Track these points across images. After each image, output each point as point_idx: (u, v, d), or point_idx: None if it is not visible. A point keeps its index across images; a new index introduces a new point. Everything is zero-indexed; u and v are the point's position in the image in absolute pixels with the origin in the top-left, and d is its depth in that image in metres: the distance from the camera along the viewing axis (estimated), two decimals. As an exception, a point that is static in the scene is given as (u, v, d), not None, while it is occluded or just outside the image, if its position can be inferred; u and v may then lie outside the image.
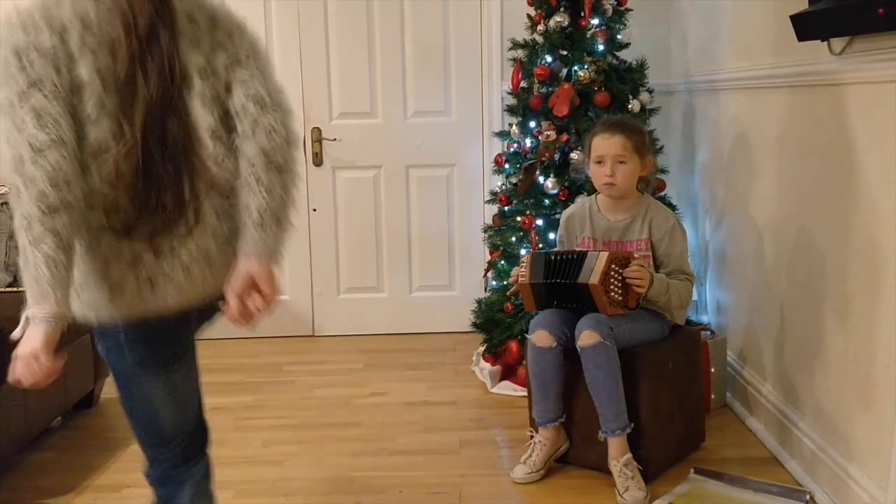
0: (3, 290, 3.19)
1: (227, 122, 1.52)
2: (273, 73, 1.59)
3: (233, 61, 1.53)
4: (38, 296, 1.41)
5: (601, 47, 3.48)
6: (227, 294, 1.55)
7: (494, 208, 3.82)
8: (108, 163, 1.44)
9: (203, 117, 1.50)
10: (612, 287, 2.61)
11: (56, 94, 1.40)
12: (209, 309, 1.60)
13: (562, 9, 3.50)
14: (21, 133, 1.39)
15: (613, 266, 2.61)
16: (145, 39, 1.43)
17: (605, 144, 2.76)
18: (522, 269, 2.76)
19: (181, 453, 1.71)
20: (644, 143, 2.80)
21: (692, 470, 2.74)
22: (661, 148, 3.69)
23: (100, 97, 1.43)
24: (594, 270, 2.60)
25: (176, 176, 1.47)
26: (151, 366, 1.60)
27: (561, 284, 2.69)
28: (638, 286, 2.61)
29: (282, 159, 1.51)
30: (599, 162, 2.77)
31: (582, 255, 2.67)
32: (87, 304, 1.52)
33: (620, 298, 2.63)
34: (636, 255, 2.69)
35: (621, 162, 2.74)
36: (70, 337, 1.51)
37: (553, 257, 2.73)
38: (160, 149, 1.44)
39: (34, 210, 1.37)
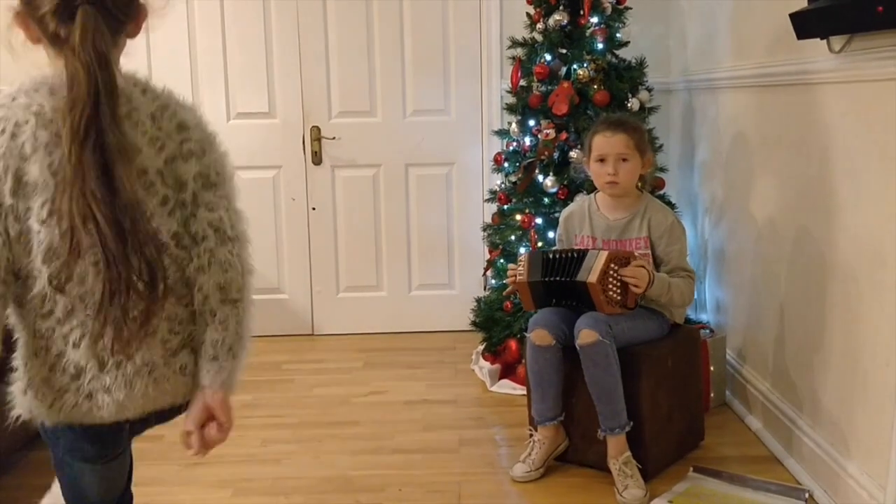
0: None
1: (189, 230, 1.48)
2: (235, 197, 1.56)
3: (203, 177, 1.49)
4: None
5: (600, 46, 3.48)
6: (186, 424, 1.54)
7: (494, 207, 3.82)
8: (62, 266, 1.37)
9: (164, 221, 1.44)
10: (610, 286, 2.61)
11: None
12: (148, 419, 1.55)
13: (561, 7, 3.50)
14: None
15: (612, 265, 2.61)
16: (83, 134, 1.33)
17: (607, 143, 2.75)
18: (520, 269, 2.76)
19: None
20: (644, 141, 2.80)
21: (691, 468, 2.74)
22: (661, 146, 3.69)
23: (51, 196, 1.35)
24: (593, 269, 2.60)
25: (144, 279, 1.38)
26: (81, 458, 1.59)
27: (559, 282, 2.69)
28: (635, 286, 2.61)
29: (237, 293, 1.48)
30: (601, 160, 2.77)
31: (582, 254, 2.67)
32: (29, 404, 1.49)
33: (619, 298, 2.63)
34: (637, 255, 2.68)
35: (624, 160, 2.74)
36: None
37: (551, 255, 2.73)
38: (120, 250, 1.35)
39: None
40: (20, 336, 1.46)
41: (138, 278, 1.37)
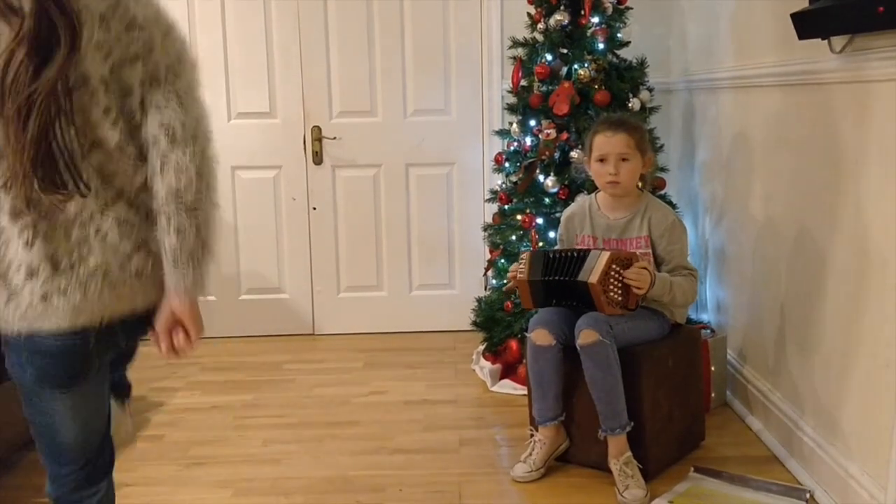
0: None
1: (137, 137, 1.43)
2: (194, 92, 1.47)
3: (151, 78, 1.42)
4: None
5: (601, 46, 3.47)
6: (155, 326, 1.52)
7: (494, 207, 3.82)
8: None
9: (108, 132, 1.40)
10: (611, 287, 2.61)
11: None
12: (112, 332, 1.50)
13: (562, 7, 3.50)
14: None
15: (614, 266, 2.60)
16: (32, 40, 1.29)
17: (608, 143, 2.75)
18: (521, 267, 2.76)
19: (84, 475, 1.64)
20: (645, 141, 2.80)
21: (692, 468, 2.74)
22: (661, 146, 3.69)
23: None
24: (594, 269, 2.60)
25: (75, 178, 1.37)
26: (49, 383, 1.54)
27: (560, 281, 2.69)
28: (637, 288, 2.60)
29: (192, 197, 1.42)
30: (602, 160, 2.77)
31: (584, 254, 2.67)
32: None
33: (620, 299, 2.63)
34: (639, 256, 2.68)
35: (624, 160, 2.74)
36: None
37: (552, 255, 2.73)
38: (58, 153, 1.33)
39: None
40: None
41: (35, 173, 1.33)
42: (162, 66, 1.43)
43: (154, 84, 1.42)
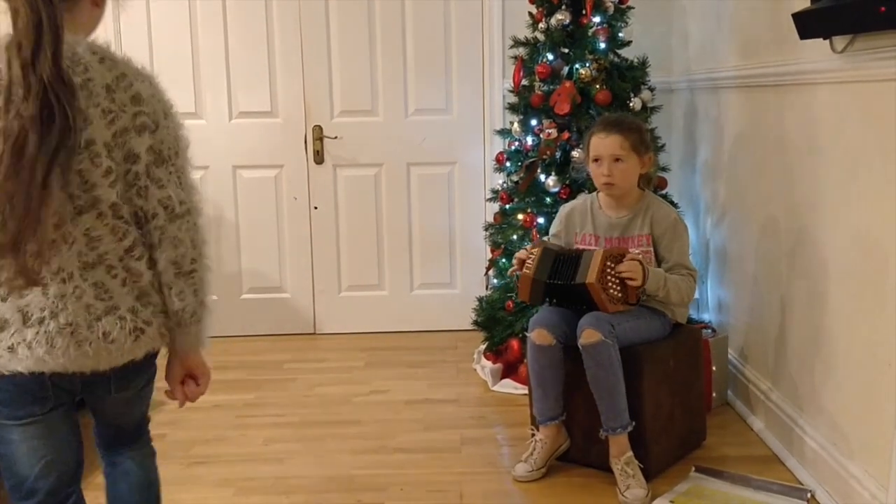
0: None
1: (132, 202, 1.55)
2: (188, 170, 1.61)
3: (156, 155, 1.55)
4: None
5: (602, 45, 3.47)
6: (167, 381, 1.69)
7: (495, 206, 3.82)
8: None
9: (106, 191, 1.50)
10: (609, 284, 2.61)
11: None
12: (71, 380, 1.58)
13: (563, 6, 3.50)
14: None
15: (608, 263, 2.61)
16: (36, 96, 1.40)
17: (601, 144, 2.76)
18: (529, 261, 2.75)
19: (110, 445, 1.81)
20: (642, 141, 2.79)
21: (693, 468, 2.74)
22: (663, 146, 3.69)
23: None
24: (590, 269, 2.60)
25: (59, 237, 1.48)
26: (7, 415, 1.60)
27: (560, 286, 2.69)
28: (630, 279, 2.61)
29: (189, 264, 1.58)
30: (597, 161, 2.77)
31: (579, 255, 2.67)
32: None
33: (620, 295, 2.63)
34: (632, 251, 2.68)
35: (618, 161, 2.74)
36: None
37: (561, 257, 2.72)
38: (45, 209, 1.43)
39: None
40: None
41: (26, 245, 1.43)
42: (166, 144, 1.56)
43: (158, 161, 1.55)
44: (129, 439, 1.81)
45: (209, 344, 1.66)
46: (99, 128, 1.48)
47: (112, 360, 1.57)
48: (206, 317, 1.63)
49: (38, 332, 1.50)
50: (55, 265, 1.50)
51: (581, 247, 2.83)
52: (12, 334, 1.51)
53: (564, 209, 2.98)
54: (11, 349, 1.51)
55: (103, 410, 1.74)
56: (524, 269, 2.75)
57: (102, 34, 1.67)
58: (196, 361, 1.67)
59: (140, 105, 1.52)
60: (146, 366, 1.67)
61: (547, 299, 2.77)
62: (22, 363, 1.51)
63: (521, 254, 2.81)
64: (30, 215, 1.41)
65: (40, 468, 1.63)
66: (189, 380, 1.70)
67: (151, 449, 1.87)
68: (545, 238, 3.04)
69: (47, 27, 1.40)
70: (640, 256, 2.67)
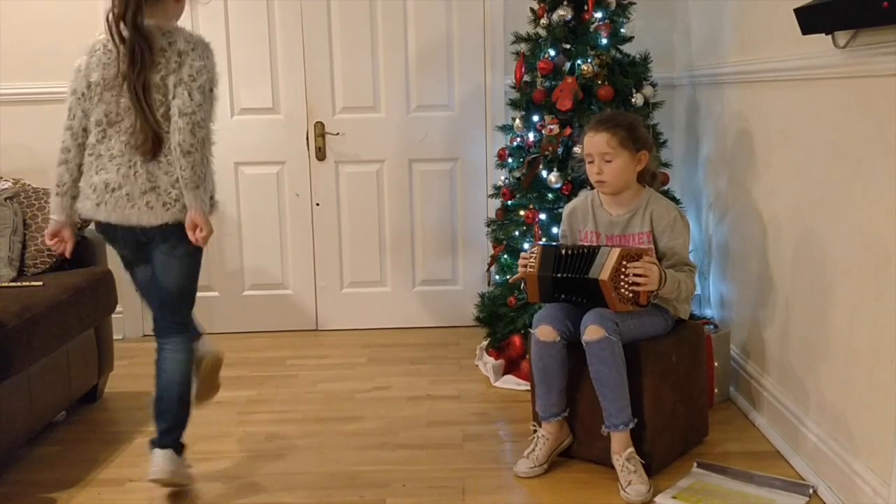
0: (6, 284, 3.19)
1: (168, 119, 2.41)
2: (200, 90, 2.39)
3: (178, 82, 2.39)
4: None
5: (605, 41, 3.47)
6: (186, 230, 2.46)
7: (498, 202, 3.81)
8: (103, 126, 2.48)
9: (159, 110, 2.42)
10: (622, 284, 2.60)
11: (77, 97, 2.51)
12: (143, 236, 2.49)
13: (565, 2, 3.50)
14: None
15: (624, 263, 2.60)
16: (129, 68, 2.39)
17: (590, 143, 2.77)
18: (531, 260, 2.75)
19: (157, 325, 2.65)
20: (633, 137, 2.77)
21: (695, 464, 2.74)
22: (665, 142, 3.69)
23: (101, 91, 2.46)
24: (605, 267, 2.59)
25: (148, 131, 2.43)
26: (123, 259, 2.67)
27: (570, 279, 2.68)
28: (642, 283, 2.60)
29: (188, 147, 2.36)
30: (589, 160, 2.78)
31: (594, 250, 2.67)
32: (81, 205, 2.55)
33: (630, 296, 2.62)
34: (649, 252, 2.67)
35: (608, 160, 2.74)
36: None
37: (563, 252, 2.72)
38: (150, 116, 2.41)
39: (56, 159, 2.53)
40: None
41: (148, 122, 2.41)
42: (186, 74, 2.40)
43: (178, 83, 2.39)
44: (170, 324, 2.60)
45: (206, 206, 2.43)
46: (153, 75, 2.39)
47: (152, 219, 2.43)
48: (200, 186, 2.39)
49: (111, 197, 2.44)
50: (127, 156, 2.43)
51: (591, 243, 2.82)
52: (100, 197, 2.46)
53: (567, 209, 2.98)
54: (98, 205, 2.46)
55: (155, 265, 2.54)
56: (528, 270, 2.75)
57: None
58: (196, 216, 2.41)
59: (177, 56, 2.40)
60: (179, 233, 2.45)
61: (561, 296, 2.76)
62: (101, 214, 2.47)
63: (522, 257, 2.81)
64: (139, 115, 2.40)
65: (151, 298, 2.66)
66: (197, 228, 2.42)
67: (187, 346, 2.63)
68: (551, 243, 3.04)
69: (133, 6, 2.36)
70: (656, 260, 2.67)
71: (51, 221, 2.56)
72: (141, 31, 2.37)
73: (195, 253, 2.55)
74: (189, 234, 2.44)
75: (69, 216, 2.55)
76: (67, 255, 2.64)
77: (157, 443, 2.60)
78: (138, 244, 2.53)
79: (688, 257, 2.82)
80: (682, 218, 2.83)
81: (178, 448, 2.63)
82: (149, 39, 2.38)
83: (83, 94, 2.47)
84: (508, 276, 3.56)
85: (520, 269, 2.81)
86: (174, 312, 2.61)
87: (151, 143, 2.39)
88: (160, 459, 2.57)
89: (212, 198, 2.49)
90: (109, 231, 2.53)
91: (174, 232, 2.46)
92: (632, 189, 2.82)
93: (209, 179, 2.46)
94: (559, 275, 2.70)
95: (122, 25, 2.37)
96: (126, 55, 2.37)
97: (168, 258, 2.52)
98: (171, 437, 2.61)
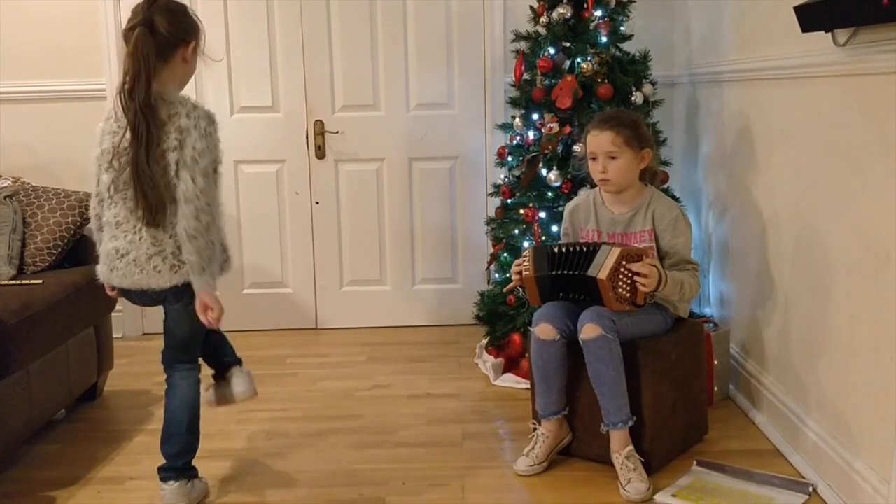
0: (6, 283, 3.19)
1: (169, 188, 2.38)
2: (203, 173, 2.36)
3: (181, 160, 2.36)
4: None
5: (604, 39, 3.47)
6: (197, 313, 2.46)
7: (497, 201, 3.81)
8: (110, 192, 2.46)
9: (161, 176, 2.37)
10: (620, 283, 2.60)
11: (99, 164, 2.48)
12: (156, 296, 2.49)
13: (565, 0, 3.50)
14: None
15: (624, 263, 2.60)
16: (131, 143, 2.37)
17: (594, 141, 2.76)
18: (525, 264, 2.75)
19: (166, 358, 2.63)
20: (637, 136, 2.77)
21: (695, 462, 2.74)
22: (665, 140, 3.69)
23: (109, 159, 2.43)
24: (604, 265, 2.59)
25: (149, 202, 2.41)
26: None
27: (568, 276, 2.68)
28: (642, 284, 2.60)
29: (192, 232, 2.35)
30: (593, 158, 2.78)
31: (593, 248, 2.66)
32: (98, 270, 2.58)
33: (628, 295, 2.62)
34: (650, 253, 2.67)
35: (612, 157, 2.74)
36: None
37: (556, 250, 2.73)
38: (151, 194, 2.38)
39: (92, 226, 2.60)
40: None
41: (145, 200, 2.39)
42: (188, 156, 2.36)
43: (183, 164, 2.36)
44: (179, 359, 2.60)
45: (214, 288, 2.43)
46: (162, 146, 2.36)
47: (161, 282, 2.44)
48: (206, 269, 2.40)
49: (121, 263, 2.45)
50: (132, 223, 2.43)
51: (597, 241, 2.82)
52: (112, 263, 2.48)
53: (569, 207, 2.98)
54: (111, 271, 2.48)
55: (168, 316, 2.57)
56: (524, 273, 2.75)
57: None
58: (205, 297, 2.42)
59: (178, 133, 2.36)
60: (186, 292, 2.45)
61: (560, 294, 2.76)
62: (115, 280, 2.49)
63: (514, 265, 2.81)
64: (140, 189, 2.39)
65: (167, 339, 2.63)
66: (208, 309, 2.43)
67: (195, 375, 2.63)
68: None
69: (143, 75, 2.34)
70: (657, 261, 2.67)
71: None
72: (146, 109, 2.34)
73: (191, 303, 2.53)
74: (200, 316, 2.45)
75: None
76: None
77: (166, 471, 2.57)
78: (155, 302, 2.55)
79: (689, 256, 2.82)
80: (684, 217, 2.83)
81: (189, 474, 2.60)
82: (152, 115, 2.36)
83: (97, 156, 2.48)
84: (508, 275, 3.55)
85: (514, 277, 2.80)
86: (184, 352, 2.61)
87: (152, 214, 2.38)
88: (170, 497, 2.56)
89: (225, 253, 2.52)
90: (126, 294, 2.56)
91: (185, 291, 2.45)
92: (634, 187, 2.82)
93: (216, 259, 2.44)
94: (556, 272, 2.70)
95: (128, 100, 2.35)
96: (130, 130, 2.36)
97: (181, 313, 2.53)
98: (181, 461, 2.58)
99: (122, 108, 2.37)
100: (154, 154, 2.34)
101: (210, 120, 2.41)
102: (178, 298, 2.49)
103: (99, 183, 2.48)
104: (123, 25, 2.45)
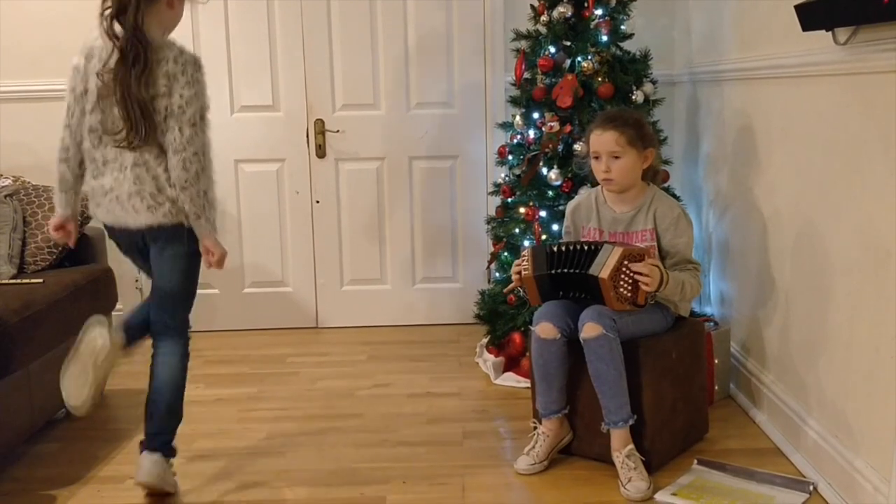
0: (6, 282, 3.19)
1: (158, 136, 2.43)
2: (190, 122, 2.39)
3: (168, 113, 2.40)
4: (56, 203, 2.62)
5: (605, 38, 3.46)
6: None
7: (498, 200, 3.81)
8: (98, 133, 2.49)
9: (154, 111, 2.40)
10: (621, 283, 2.60)
11: (75, 97, 2.50)
12: (136, 238, 2.54)
13: (565, -1, 3.50)
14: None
15: (626, 262, 2.60)
16: (122, 68, 2.38)
17: (598, 141, 2.76)
18: (524, 264, 2.75)
19: (152, 324, 2.63)
20: (641, 135, 2.77)
21: (695, 461, 2.74)
22: (665, 139, 3.68)
23: (95, 100, 2.46)
24: (606, 264, 2.59)
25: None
26: (134, 263, 2.73)
27: (569, 274, 2.68)
28: (644, 284, 2.60)
29: (184, 182, 2.41)
30: (596, 158, 2.77)
31: (595, 247, 2.66)
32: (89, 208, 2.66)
33: (629, 295, 2.62)
34: (651, 253, 2.67)
35: (616, 157, 2.74)
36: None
37: (555, 249, 2.73)
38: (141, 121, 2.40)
39: (56, 157, 2.54)
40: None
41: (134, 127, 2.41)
42: (175, 105, 2.38)
43: (170, 114, 2.39)
44: (165, 323, 2.60)
45: (214, 231, 2.50)
46: (145, 90, 2.37)
47: (138, 221, 2.48)
48: (202, 216, 2.45)
49: (104, 199, 2.50)
50: (119, 161, 2.46)
51: (598, 240, 2.82)
52: (97, 199, 2.53)
53: (570, 205, 2.98)
54: (97, 206, 2.54)
55: (152, 266, 2.57)
56: (523, 273, 2.75)
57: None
58: (206, 241, 2.50)
59: (167, 79, 2.37)
60: (173, 237, 2.49)
61: (560, 293, 2.75)
62: (101, 215, 2.56)
63: (514, 266, 2.81)
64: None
65: (152, 293, 2.63)
66: (209, 253, 2.52)
67: (181, 349, 2.63)
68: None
69: (132, 3, 2.35)
70: (659, 262, 2.67)
71: (55, 214, 2.61)
72: (137, 33, 2.35)
73: (189, 255, 2.56)
74: (204, 259, 2.54)
75: (74, 209, 2.61)
76: (72, 245, 2.72)
77: (146, 445, 2.60)
78: (136, 247, 2.58)
79: (691, 256, 2.81)
80: (686, 216, 2.83)
81: (168, 452, 2.61)
82: (145, 40, 2.36)
83: (81, 94, 2.48)
84: (508, 274, 3.55)
85: (514, 277, 2.81)
86: (167, 313, 2.61)
87: (137, 132, 2.38)
88: (147, 463, 2.56)
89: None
90: (111, 232, 2.61)
91: (161, 234, 2.49)
92: (636, 187, 2.82)
93: (212, 206, 2.48)
94: (555, 271, 2.70)
95: (115, 25, 2.37)
96: (119, 52, 2.36)
97: (160, 259, 2.55)
98: (158, 440, 2.59)
99: (107, 33, 2.37)
100: (147, 79, 2.35)
101: (197, 66, 2.42)
102: (155, 240, 2.51)
103: (77, 121, 2.48)
104: None
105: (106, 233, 2.68)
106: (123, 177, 2.45)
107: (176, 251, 2.54)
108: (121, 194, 2.46)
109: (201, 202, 2.44)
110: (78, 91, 2.48)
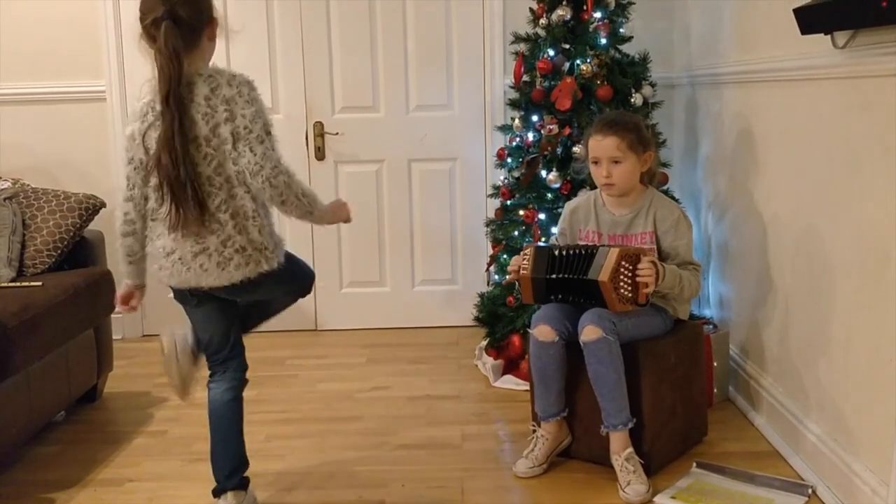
0: (6, 284, 3.19)
1: (222, 171, 2.30)
2: (259, 140, 2.29)
3: (237, 137, 2.28)
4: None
5: (604, 41, 3.47)
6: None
7: (497, 202, 3.81)
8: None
9: (204, 169, 2.29)
10: (621, 284, 2.60)
11: (134, 167, 2.36)
12: (209, 292, 2.41)
13: (564, 2, 3.50)
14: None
15: (624, 263, 2.60)
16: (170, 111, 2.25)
17: (598, 146, 2.76)
18: (524, 262, 2.75)
19: (210, 362, 2.60)
20: (640, 140, 2.77)
21: (695, 464, 2.74)
22: (664, 142, 3.69)
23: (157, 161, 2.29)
24: (604, 267, 2.59)
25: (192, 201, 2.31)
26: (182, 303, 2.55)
27: (568, 280, 2.68)
28: (645, 284, 2.60)
29: (278, 197, 2.33)
30: (596, 162, 2.77)
31: (591, 251, 2.66)
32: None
33: (630, 295, 2.62)
34: (647, 251, 2.67)
35: (616, 162, 2.74)
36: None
37: (557, 253, 2.72)
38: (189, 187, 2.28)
39: (118, 230, 2.43)
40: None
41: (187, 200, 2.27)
42: (241, 126, 2.28)
43: (238, 139, 2.28)
44: (227, 358, 2.60)
45: (327, 215, 2.56)
46: (201, 126, 2.26)
47: (210, 280, 2.35)
48: (314, 210, 2.45)
49: (167, 261, 2.35)
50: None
51: (592, 243, 2.82)
52: (159, 262, 2.39)
53: (569, 206, 2.98)
54: (160, 269, 2.39)
55: (243, 306, 2.62)
56: (521, 272, 2.75)
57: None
58: (331, 217, 2.60)
59: (226, 104, 2.27)
60: (247, 286, 2.39)
61: (555, 297, 2.76)
62: (164, 280, 2.41)
63: (514, 260, 2.81)
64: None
65: (203, 331, 2.54)
66: (341, 213, 2.63)
67: (242, 377, 2.67)
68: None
69: (175, 78, 2.23)
70: (655, 257, 2.67)
71: (123, 284, 2.51)
72: (183, 104, 2.25)
73: (280, 273, 2.49)
74: (340, 215, 2.62)
75: (143, 279, 2.51)
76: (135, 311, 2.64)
77: (220, 489, 2.54)
78: (213, 298, 2.46)
79: (692, 257, 2.81)
80: (686, 218, 2.83)
81: (242, 485, 2.56)
82: (187, 105, 2.27)
83: (141, 162, 2.33)
84: (507, 275, 3.55)
85: (511, 271, 2.80)
86: (234, 351, 2.63)
87: (189, 222, 2.29)
88: None
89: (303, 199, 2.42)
90: (178, 294, 2.48)
91: (242, 288, 2.39)
92: (636, 190, 2.82)
93: (312, 197, 2.44)
94: (553, 276, 2.70)
95: (170, 102, 2.25)
96: (165, 126, 2.26)
97: (256, 300, 2.62)
98: (233, 480, 2.54)
99: (162, 109, 2.25)
100: (200, 134, 2.26)
101: (251, 86, 2.34)
102: (237, 294, 2.44)
103: (140, 191, 2.36)
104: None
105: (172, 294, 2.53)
106: (182, 236, 2.32)
107: (265, 287, 2.49)
108: (184, 255, 2.33)
109: (305, 202, 2.38)
110: (137, 159, 2.34)
